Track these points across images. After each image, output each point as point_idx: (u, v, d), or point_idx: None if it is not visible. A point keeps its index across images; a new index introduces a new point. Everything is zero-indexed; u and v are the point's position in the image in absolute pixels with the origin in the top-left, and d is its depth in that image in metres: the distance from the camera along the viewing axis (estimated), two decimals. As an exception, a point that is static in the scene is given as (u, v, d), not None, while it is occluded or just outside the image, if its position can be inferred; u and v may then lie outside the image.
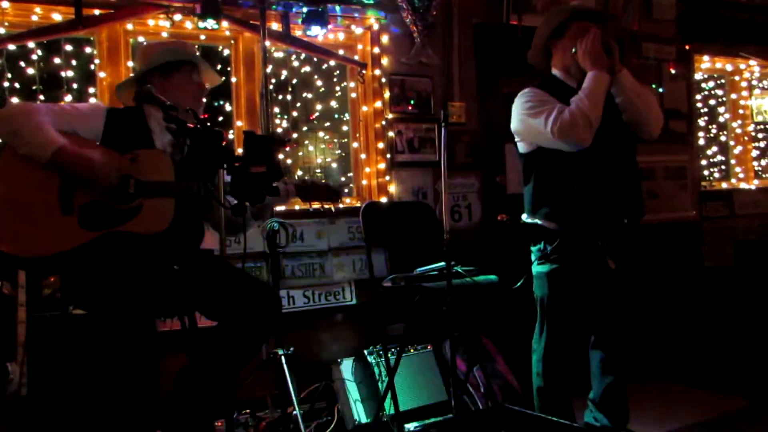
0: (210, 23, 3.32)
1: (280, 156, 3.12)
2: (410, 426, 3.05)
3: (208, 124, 2.10)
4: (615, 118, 2.73)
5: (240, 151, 2.38)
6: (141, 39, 3.54)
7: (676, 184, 5.22)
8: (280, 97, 3.97)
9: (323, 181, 2.64)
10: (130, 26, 3.46)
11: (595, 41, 2.64)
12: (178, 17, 3.45)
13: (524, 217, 2.85)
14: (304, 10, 3.58)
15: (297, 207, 3.69)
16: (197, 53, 2.71)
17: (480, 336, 3.27)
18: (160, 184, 2.21)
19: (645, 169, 4.88)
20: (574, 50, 2.70)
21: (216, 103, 3.87)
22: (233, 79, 3.77)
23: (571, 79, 2.77)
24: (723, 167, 5.76)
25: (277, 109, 3.91)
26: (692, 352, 4.34)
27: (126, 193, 2.16)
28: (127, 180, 2.16)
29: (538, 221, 2.73)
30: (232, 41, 3.78)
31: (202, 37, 3.69)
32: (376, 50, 3.97)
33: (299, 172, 4.08)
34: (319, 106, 4.11)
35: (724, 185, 5.66)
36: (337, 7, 3.81)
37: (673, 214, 5.12)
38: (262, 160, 2.00)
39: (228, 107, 3.82)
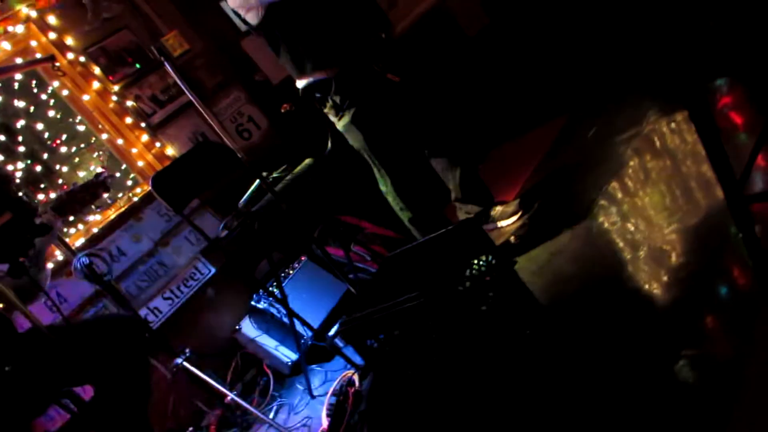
0: None
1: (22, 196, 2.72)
2: (334, 329, 3.06)
3: None
4: None
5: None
6: None
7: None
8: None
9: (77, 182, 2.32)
10: None
11: None
12: None
13: (299, 84, 2.75)
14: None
15: (95, 229, 3.34)
16: None
17: (336, 217, 3.25)
18: None
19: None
20: None
21: None
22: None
23: None
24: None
25: (0, 158, 3.41)
26: (505, 108, 4.61)
27: None
28: None
29: (311, 79, 2.65)
30: None
31: None
32: (53, 35, 3.48)
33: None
34: (40, 126, 3.62)
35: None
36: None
37: (419, 9, 5.22)
38: (2, 208, 1.70)
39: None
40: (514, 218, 3.00)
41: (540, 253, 2.59)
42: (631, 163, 2.76)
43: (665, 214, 2.26)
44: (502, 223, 3.04)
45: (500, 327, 1.95)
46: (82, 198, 2.13)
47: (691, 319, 1.75)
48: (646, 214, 2.36)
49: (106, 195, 2.31)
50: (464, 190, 3.04)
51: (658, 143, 2.79)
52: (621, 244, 2.29)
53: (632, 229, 2.33)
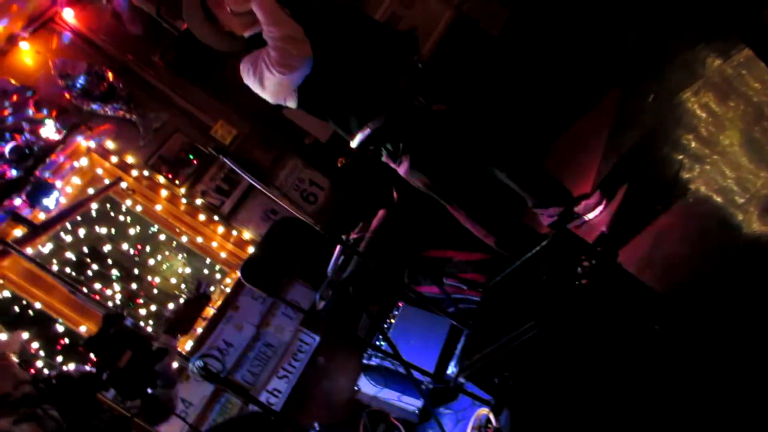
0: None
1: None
2: (451, 368, 3.01)
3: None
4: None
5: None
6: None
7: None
8: (89, 272, 3.64)
9: (180, 300, 2.40)
10: None
11: None
12: None
13: (352, 144, 2.77)
14: (18, 199, 3.16)
15: (200, 329, 3.45)
16: None
17: (421, 254, 3.22)
18: None
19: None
20: (229, 9, 2.59)
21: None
22: (37, 305, 3.38)
23: (255, 26, 2.65)
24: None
25: (98, 285, 3.59)
26: (551, 96, 4.44)
27: None
28: None
29: (361, 136, 2.67)
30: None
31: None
32: (114, 159, 3.66)
33: (171, 305, 3.79)
34: (125, 246, 3.80)
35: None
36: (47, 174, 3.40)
37: (439, 26, 5.16)
38: (121, 348, 1.77)
39: (60, 327, 3.45)
40: (600, 208, 2.88)
41: (640, 238, 2.47)
42: (705, 116, 2.61)
43: (760, 159, 2.10)
44: (589, 216, 2.92)
45: (626, 328, 1.86)
46: (188, 315, 2.20)
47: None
48: (739, 163, 2.20)
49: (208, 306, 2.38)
50: (540, 194, 2.94)
51: (725, 88, 2.62)
52: (726, 207, 2.14)
53: (731, 184, 2.18)
